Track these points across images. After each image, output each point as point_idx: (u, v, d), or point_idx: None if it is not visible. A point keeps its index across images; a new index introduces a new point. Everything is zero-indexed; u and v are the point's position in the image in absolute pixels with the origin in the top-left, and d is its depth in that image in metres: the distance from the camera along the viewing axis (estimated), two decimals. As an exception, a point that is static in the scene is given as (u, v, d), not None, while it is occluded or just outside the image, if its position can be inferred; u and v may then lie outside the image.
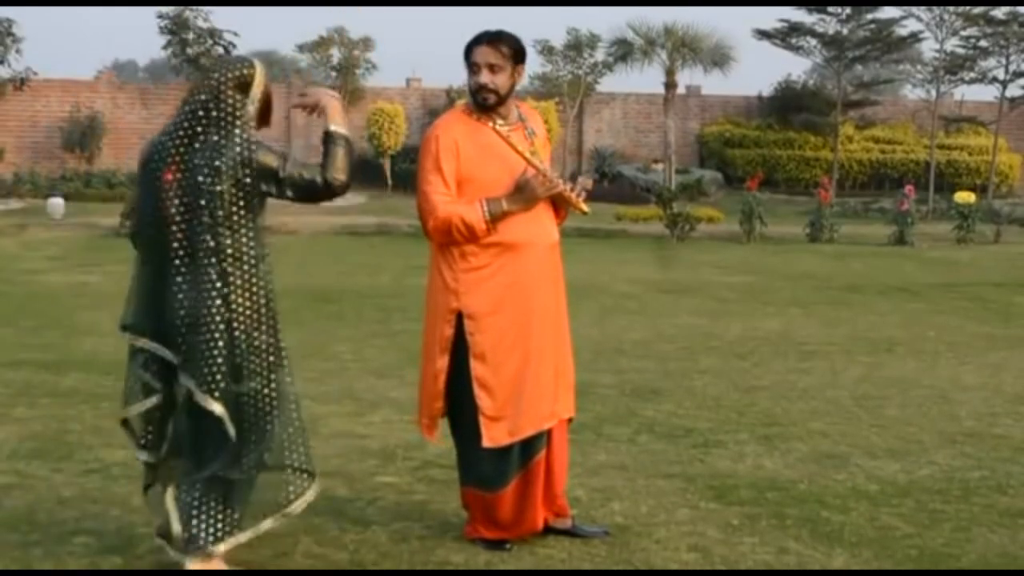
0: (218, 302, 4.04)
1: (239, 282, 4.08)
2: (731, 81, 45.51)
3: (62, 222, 20.66)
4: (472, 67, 4.54)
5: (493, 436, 4.49)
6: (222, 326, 4.04)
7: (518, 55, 4.57)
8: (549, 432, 4.63)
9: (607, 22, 49.63)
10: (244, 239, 4.09)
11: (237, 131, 4.05)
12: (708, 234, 20.89)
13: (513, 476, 4.56)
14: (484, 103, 4.54)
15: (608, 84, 29.45)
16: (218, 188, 4.01)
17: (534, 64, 27.31)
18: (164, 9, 26.55)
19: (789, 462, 5.96)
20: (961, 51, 29.01)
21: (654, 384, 7.89)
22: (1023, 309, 12.44)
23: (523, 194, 4.50)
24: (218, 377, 4.04)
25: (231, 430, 4.05)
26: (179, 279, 4.07)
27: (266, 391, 4.15)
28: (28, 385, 7.48)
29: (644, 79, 33.85)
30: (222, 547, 4.12)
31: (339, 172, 4.16)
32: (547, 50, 28.24)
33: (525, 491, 4.59)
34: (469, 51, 4.55)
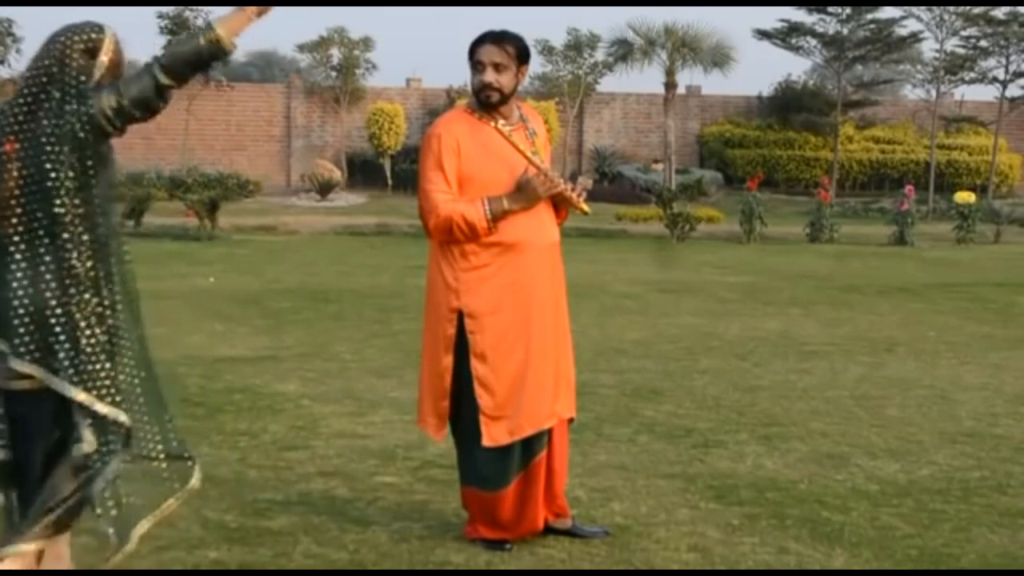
0: (69, 290, 3.68)
1: (85, 264, 3.71)
2: (731, 81, 45.51)
3: (62, 222, 20.64)
4: (476, 65, 4.53)
5: (493, 435, 4.48)
6: (76, 316, 3.68)
7: (522, 55, 4.58)
8: (550, 432, 4.63)
9: (607, 22, 49.66)
10: (94, 216, 3.75)
11: (81, 97, 3.76)
12: (708, 234, 20.90)
13: (514, 476, 4.56)
14: (487, 101, 4.54)
15: (608, 84, 29.53)
16: (63, 158, 3.70)
17: (534, 64, 27.30)
18: (164, 9, 26.60)
19: (789, 462, 5.96)
20: (961, 51, 29.06)
21: (654, 384, 7.89)
22: (1023, 309, 12.44)
23: (524, 193, 4.50)
24: (102, 375, 3.71)
25: (127, 420, 3.77)
26: (21, 263, 3.69)
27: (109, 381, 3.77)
28: (28, 385, 7.46)
29: (644, 79, 33.87)
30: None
31: (171, 61, 3.75)
32: (547, 50, 28.28)
33: (526, 491, 4.59)
34: (473, 50, 4.56)
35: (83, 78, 3.76)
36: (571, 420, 4.83)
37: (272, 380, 7.76)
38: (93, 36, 3.83)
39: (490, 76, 4.50)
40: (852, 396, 7.60)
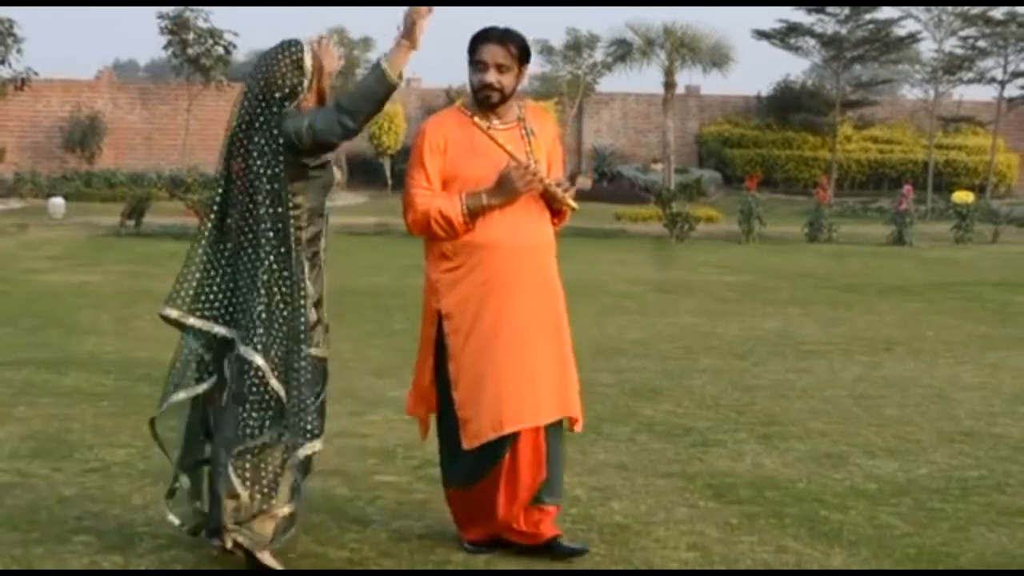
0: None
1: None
2: (730, 81, 45.40)
3: (63, 222, 20.67)
4: (478, 64, 4.44)
5: (467, 437, 4.42)
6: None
7: (525, 55, 4.51)
8: (516, 437, 4.44)
9: (606, 22, 49.60)
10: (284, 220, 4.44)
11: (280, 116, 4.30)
12: (707, 234, 20.90)
13: (486, 474, 4.48)
14: (487, 101, 4.47)
15: (607, 84, 29.53)
16: (268, 171, 4.30)
17: (533, 64, 27.27)
18: (164, 9, 26.58)
19: (788, 461, 5.98)
20: (959, 51, 29.09)
21: (653, 383, 7.90)
22: (1021, 309, 12.45)
23: (502, 187, 4.39)
24: None
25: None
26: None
27: None
28: (29, 384, 7.49)
29: (643, 79, 33.87)
30: None
31: (349, 102, 4.29)
32: (547, 50, 28.27)
33: (494, 490, 4.48)
34: (475, 47, 4.46)
35: (287, 98, 4.22)
36: (571, 428, 4.65)
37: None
38: (295, 50, 4.28)
39: (492, 76, 4.42)
40: (851, 395, 7.62)
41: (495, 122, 4.50)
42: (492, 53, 4.43)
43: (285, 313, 4.32)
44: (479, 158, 4.44)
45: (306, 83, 4.28)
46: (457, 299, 4.44)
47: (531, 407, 4.44)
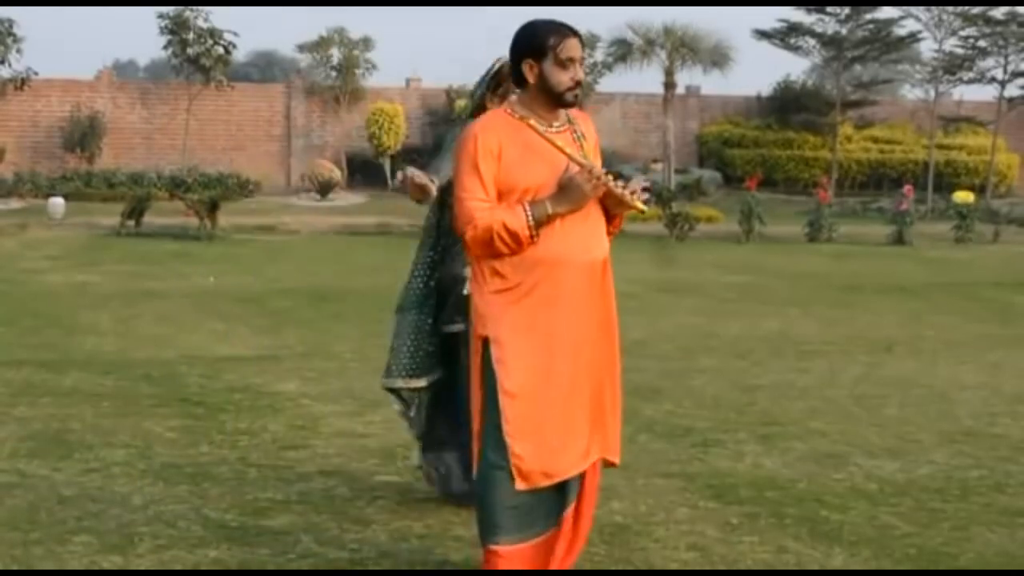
0: None
1: None
2: (730, 81, 45.37)
3: (62, 222, 20.65)
4: (566, 62, 4.00)
5: (525, 476, 3.93)
6: None
7: None
8: (581, 479, 4.11)
9: (606, 22, 49.64)
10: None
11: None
12: (707, 234, 20.90)
13: (535, 531, 4.05)
14: (574, 101, 4.08)
15: (607, 84, 29.51)
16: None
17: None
18: (164, 9, 26.58)
19: (788, 461, 5.98)
20: (960, 51, 29.05)
21: (653, 383, 7.90)
22: (1021, 309, 12.46)
23: (568, 193, 3.97)
24: None
25: None
26: None
27: None
28: (29, 384, 7.49)
29: (643, 79, 33.81)
30: None
31: None
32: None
33: (545, 552, 4.08)
34: (559, 43, 4.01)
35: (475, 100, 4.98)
36: (611, 464, 4.26)
37: (272, 379, 7.77)
38: (495, 61, 4.93)
39: (581, 74, 4.04)
40: (851, 395, 7.62)
41: (555, 124, 4.09)
42: (577, 48, 4.05)
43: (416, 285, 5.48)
44: (537, 163, 4.00)
45: (484, 84, 4.91)
46: (511, 322, 3.96)
47: (602, 440, 4.13)
